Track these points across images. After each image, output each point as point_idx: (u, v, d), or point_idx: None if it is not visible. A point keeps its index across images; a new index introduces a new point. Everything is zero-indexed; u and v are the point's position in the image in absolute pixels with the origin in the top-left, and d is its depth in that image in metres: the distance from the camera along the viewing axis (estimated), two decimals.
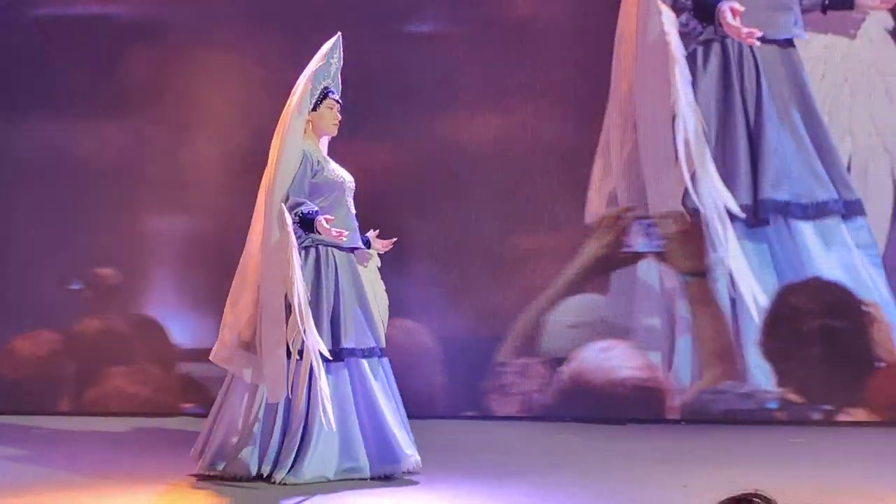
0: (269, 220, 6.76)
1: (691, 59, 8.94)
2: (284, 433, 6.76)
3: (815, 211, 8.88)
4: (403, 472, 6.76)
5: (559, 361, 9.04)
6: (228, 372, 6.95)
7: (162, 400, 9.25)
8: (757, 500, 1.47)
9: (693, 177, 8.72)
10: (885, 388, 8.78)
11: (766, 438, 8.24)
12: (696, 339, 8.94)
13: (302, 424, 6.72)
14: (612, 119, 9.04)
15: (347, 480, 6.65)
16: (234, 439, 6.82)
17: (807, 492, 6.19)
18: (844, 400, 8.85)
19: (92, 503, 6.22)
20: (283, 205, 6.72)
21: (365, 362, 6.85)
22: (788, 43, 9.01)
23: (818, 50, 9.02)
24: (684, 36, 8.91)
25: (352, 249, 7.00)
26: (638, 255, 9.09)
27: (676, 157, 8.74)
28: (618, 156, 9.02)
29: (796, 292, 8.89)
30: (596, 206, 9.04)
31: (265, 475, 6.70)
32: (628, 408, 8.88)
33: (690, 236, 8.92)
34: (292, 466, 6.67)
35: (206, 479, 6.73)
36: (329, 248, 6.90)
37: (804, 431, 8.46)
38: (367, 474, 6.72)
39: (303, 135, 6.94)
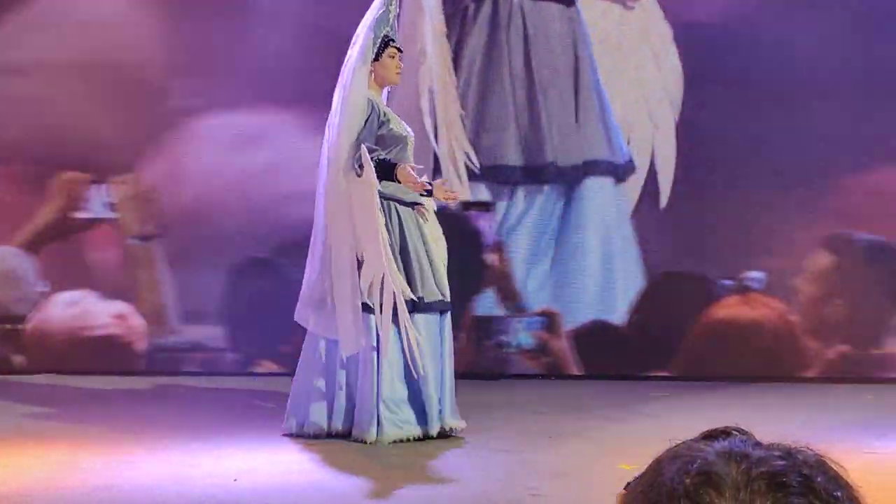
0: (336, 171, 6.59)
1: (462, 14, 8.99)
2: (355, 390, 6.70)
3: (582, 171, 9.03)
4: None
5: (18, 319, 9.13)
6: (307, 331, 6.86)
7: None
8: (735, 432, 1.41)
9: (436, 127, 8.72)
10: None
11: None
12: (139, 299, 9.20)
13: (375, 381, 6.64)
14: None
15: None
16: (307, 398, 6.77)
17: None
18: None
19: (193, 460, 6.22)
20: (363, 145, 6.55)
21: (420, 317, 6.73)
22: (569, 2, 9.07)
23: (596, 15, 9.15)
24: None
25: (413, 204, 6.82)
26: (94, 221, 9.23)
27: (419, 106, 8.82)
28: None
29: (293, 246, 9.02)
30: None
31: (341, 433, 6.68)
32: (95, 359, 9.02)
33: (141, 201, 9.16)
34: (379, 425, 6.60)
35: (293, 437, 6.76)
36: (392, 203, 6.71)
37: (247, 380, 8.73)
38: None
39: (367, 85, 6.74)
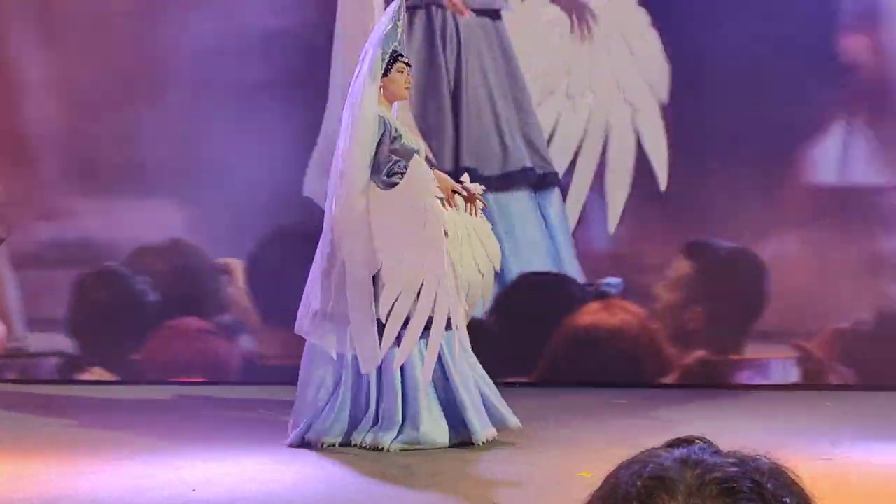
0: (349, 189, 6.58)
1: None
2: (378, 400, 6.65)
3: (509, 181, 9.00)
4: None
5: None
6: (307, 342, 6.81)
7: None
8: (697, 440, 1.46)
9: None
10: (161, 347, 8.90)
11: None
12: None
13: (398, 390, 6.61)
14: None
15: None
16: (323, 409, 6.70)
17: None
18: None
19: (199, 469, 6.15)
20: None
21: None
22: (495, 14, 9.11)
23: (557, 11, 9.09)
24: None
25: None
26: None
27: None
28: None
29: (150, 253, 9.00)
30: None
31: (358, 443, 6.62)
32: None
33: None
34: (400, 432, 6.56)
35: (302, 447, 6.67)
36: None
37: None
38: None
39: (377, 102, 6.73)
